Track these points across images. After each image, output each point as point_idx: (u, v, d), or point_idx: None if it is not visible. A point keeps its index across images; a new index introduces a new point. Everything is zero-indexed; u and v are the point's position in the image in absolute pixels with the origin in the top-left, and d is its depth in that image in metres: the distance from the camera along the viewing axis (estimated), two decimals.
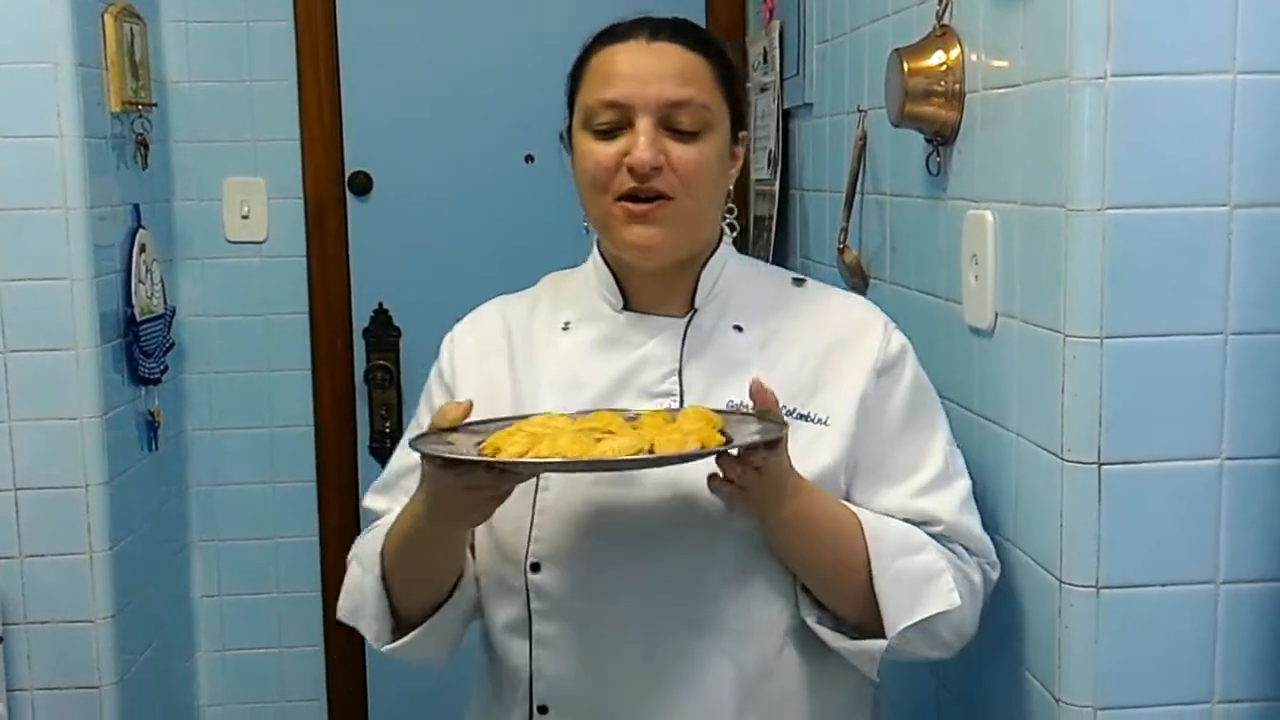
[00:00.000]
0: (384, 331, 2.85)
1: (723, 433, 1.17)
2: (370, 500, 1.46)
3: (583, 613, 1.29)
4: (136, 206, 2.45)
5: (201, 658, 2.88)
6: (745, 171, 2.80)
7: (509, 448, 1.15)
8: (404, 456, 1.40)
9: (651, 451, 1.13)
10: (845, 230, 1.93)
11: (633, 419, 1.22)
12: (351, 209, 2.81)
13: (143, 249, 2.43)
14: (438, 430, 1.22)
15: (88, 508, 2.22)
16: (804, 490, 1.23)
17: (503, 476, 1.17)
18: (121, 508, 2.32)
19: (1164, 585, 1.22)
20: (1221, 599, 1.22)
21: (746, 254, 2.75)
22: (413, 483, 1.27)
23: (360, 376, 2.85)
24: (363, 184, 2.81)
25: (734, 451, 1.14)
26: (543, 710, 1.31)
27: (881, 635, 1.25)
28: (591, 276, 1.40)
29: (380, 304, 2.85)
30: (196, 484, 2.84)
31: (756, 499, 1.20)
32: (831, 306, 1.39)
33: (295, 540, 2.87)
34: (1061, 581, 1.24)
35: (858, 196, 1.91)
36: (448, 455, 1.16)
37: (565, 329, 1.38)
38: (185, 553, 2.84)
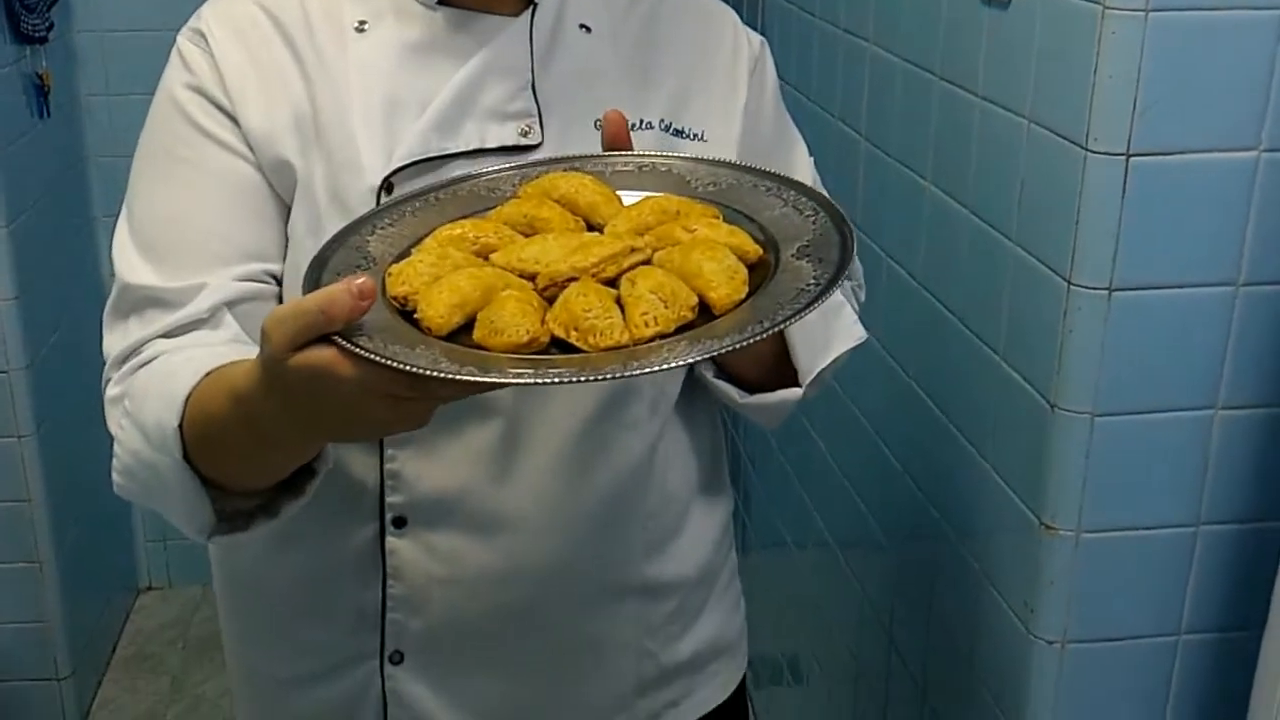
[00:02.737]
0: None
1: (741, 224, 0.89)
2: (136, 271, 1.04)
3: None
4: None
5: None
6: None
7: (503, 314, 0.77)
8: (179, 202, 1.06)
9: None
10: None
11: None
12: None
13: None
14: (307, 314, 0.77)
15: None
16: None
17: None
18: (15, 179, 2.14)
19: (1180, 287, 1.13)
20: (1239, 302, 1.14)
21: None
22: (209, 252, 1.01)
23: None
24: None
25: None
26: (399, 523, 1.07)
27: (777, 387, 1.10)
28: None
29: None
30: (96, 155, 2.63)
31: None
32: None
33: None
34: (1070, 283, 1.14)
35: None
36: (436, 373, 0.74)
37: (360, 30, 1.05)
38: (90, 229, 2.66)
